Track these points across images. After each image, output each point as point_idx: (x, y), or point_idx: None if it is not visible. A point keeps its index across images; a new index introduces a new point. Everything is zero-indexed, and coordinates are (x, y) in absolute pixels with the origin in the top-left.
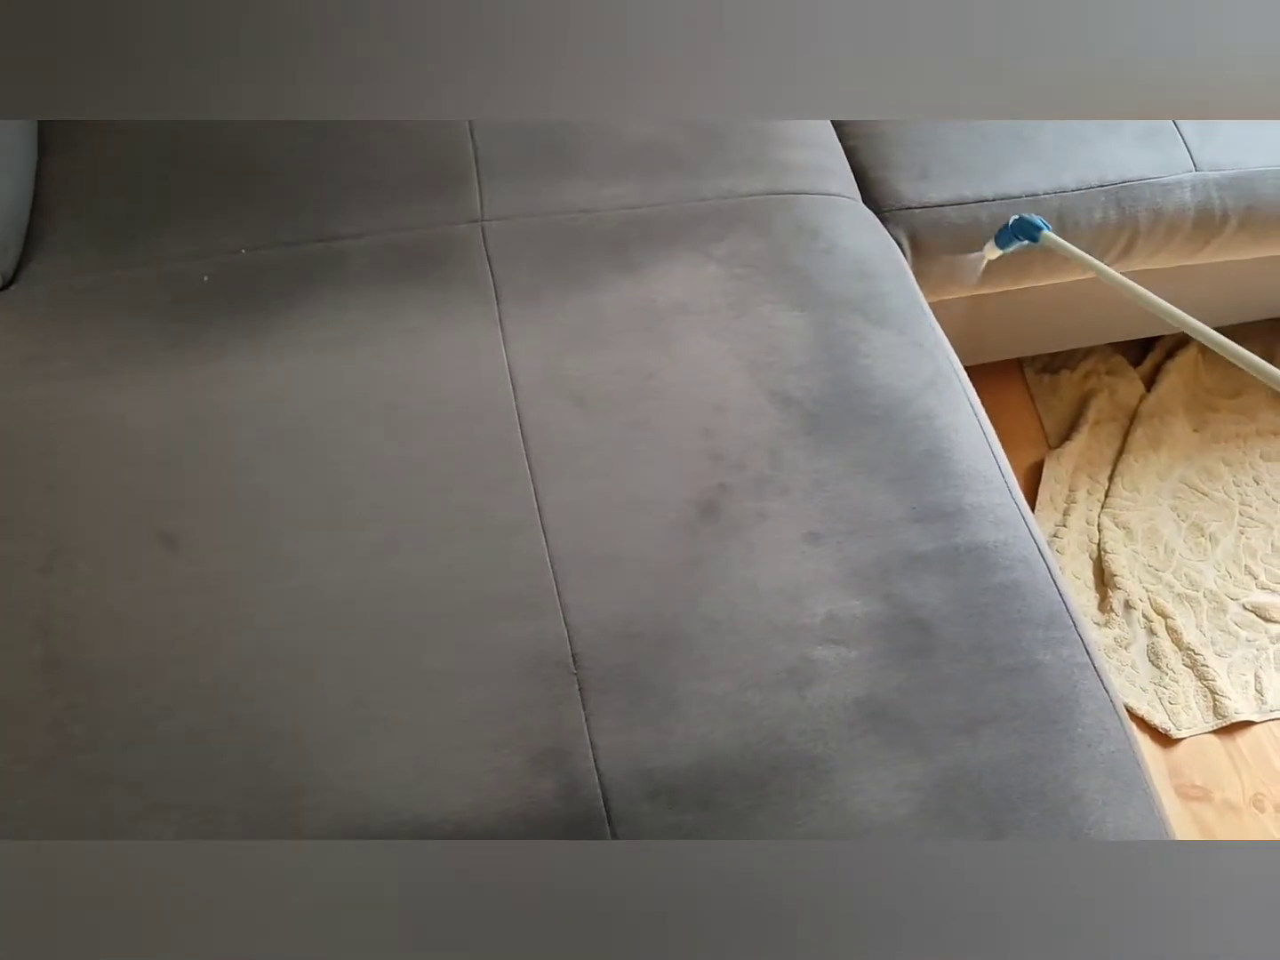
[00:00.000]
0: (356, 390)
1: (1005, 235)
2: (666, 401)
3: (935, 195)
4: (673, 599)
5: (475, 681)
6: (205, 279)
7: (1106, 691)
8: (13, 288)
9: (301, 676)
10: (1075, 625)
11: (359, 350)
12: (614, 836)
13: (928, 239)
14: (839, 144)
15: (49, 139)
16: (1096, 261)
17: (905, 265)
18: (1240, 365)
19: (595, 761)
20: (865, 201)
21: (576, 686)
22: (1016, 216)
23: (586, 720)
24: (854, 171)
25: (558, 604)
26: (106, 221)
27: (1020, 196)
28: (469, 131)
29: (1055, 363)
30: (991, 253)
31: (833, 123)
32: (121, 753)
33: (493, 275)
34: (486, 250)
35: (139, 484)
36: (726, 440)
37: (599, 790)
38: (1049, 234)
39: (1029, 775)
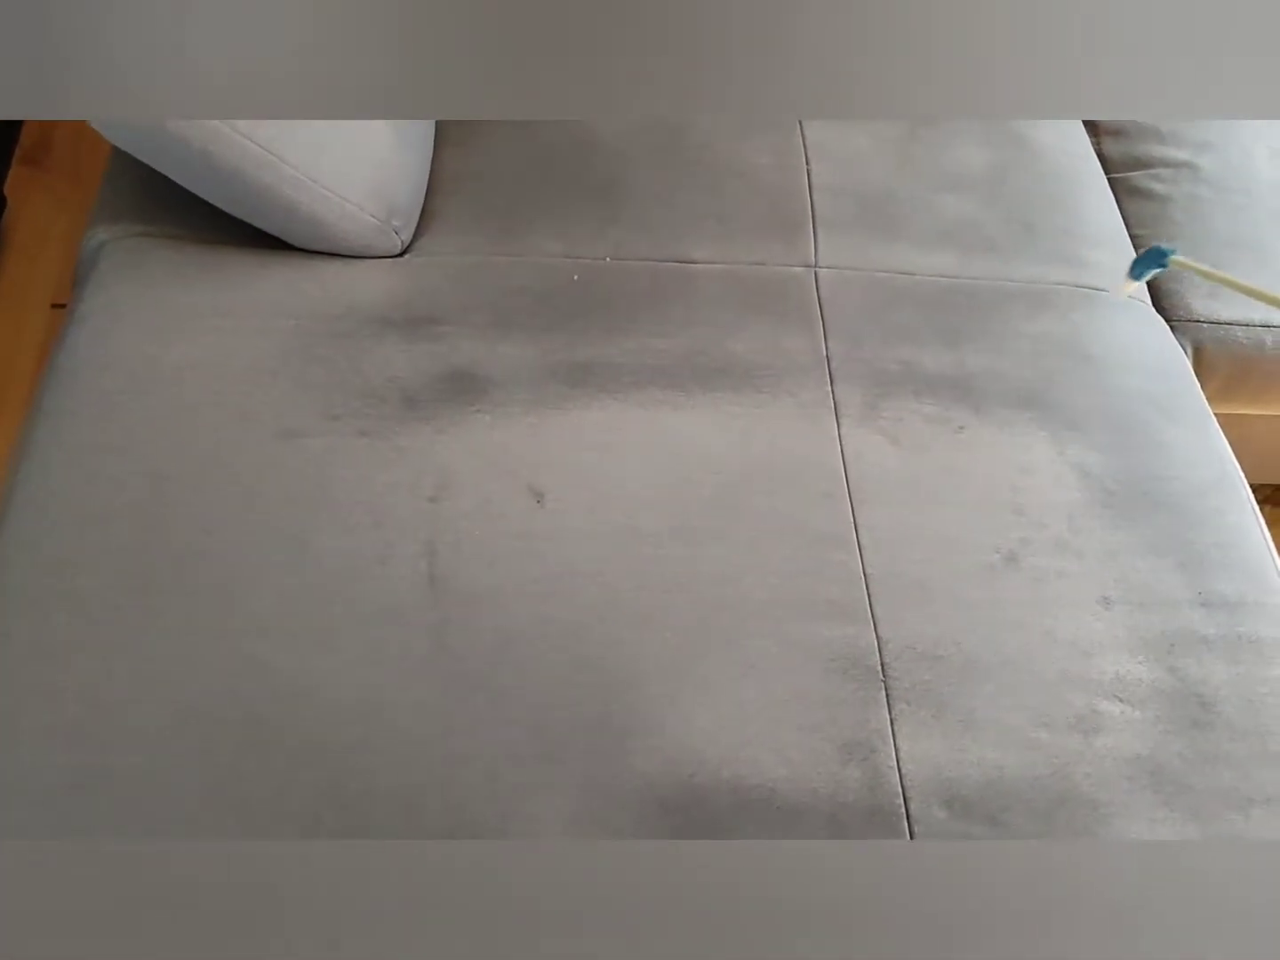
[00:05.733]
0: (696, 396)
1: (1138, 268)
2: (975, 454)
3: (1225, 314)
4: (975, 632)
5: (790, 669)
6: (575, 278)
7: None
8: (407, 255)
9: (642, 635)
10: None
11: (701, 362)
12: (910, 833)
13: (1212, 352)
14: (1133, 251)
15: (443, 134)
16: (1230, 276)
17: (1192, 371)
18: None
19: (898, 762)
20: (1155, 308)
21: (884, 692)
22: (1147, 248)
23: (892, 724)
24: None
25: (869, 615)
26: (487, 212)
27: None
28: (808, 185)
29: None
30: (1129, 286)
31: (1128, 232)
32: (486, 666)
33: (822, 316)
34: (818, 293)
35: (513, 441)
36: (1029, 499)
37: (900, 788)
38: (1177, 256)
39: None
